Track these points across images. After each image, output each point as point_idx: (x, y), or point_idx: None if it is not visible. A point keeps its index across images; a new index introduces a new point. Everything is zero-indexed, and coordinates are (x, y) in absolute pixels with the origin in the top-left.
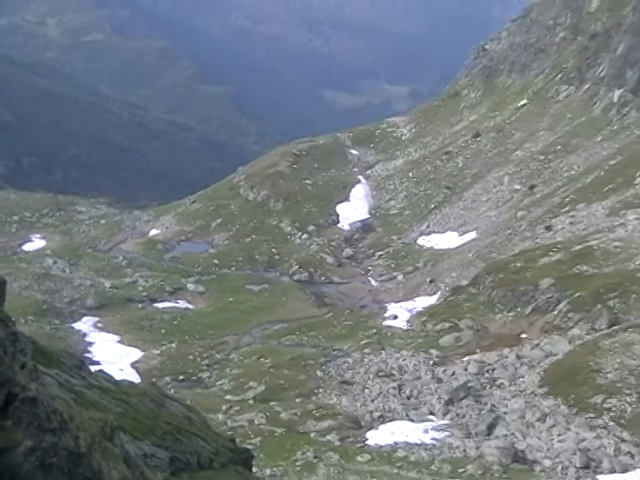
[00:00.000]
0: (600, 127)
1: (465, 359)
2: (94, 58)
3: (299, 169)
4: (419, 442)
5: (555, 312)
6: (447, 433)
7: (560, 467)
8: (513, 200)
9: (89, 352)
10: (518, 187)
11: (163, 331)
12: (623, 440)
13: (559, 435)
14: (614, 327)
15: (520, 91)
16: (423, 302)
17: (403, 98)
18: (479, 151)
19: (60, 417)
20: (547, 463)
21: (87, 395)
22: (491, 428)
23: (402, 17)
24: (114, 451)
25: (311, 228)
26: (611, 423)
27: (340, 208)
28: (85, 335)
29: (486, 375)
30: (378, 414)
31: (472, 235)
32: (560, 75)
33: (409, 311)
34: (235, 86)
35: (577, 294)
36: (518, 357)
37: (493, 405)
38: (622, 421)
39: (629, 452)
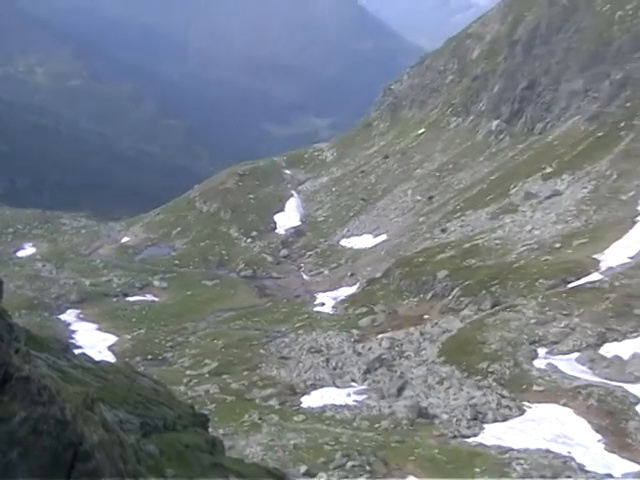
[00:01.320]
0: (482, 150)
1: (379, 336)
2: (75, 99)
3: (244, 186)
4: (343, 404)
5: (450, 297)
6: (365, 396)
7: (455, 419)
8: (415, 208)
9: (73, 338)
10: (419, 198)
11: (134, 319)
12: (503, 396)
13: (454, 394)
14: (496, 307)
15: (419, 122)
16: (345, 291)
17: (326, 128)
18: (388, 170)
19: (49, 392)
20: (444, 417)
21: (71, 373)
22: (400, 391)
23: (326, 62)
24: (94, 418)
25: (254, 233)
26: (494, 383)
27: (277, 217)
28: (69, 324)
29: (396, 349)
30: (310, 382)
31: (383, 237)
32: (450, 109)
33: (334, 299)
34: (190, 120)
35: (467, 282)
36: (421, 334)
37: (402, 372)
38: (502, 381)
39: (507, 405)
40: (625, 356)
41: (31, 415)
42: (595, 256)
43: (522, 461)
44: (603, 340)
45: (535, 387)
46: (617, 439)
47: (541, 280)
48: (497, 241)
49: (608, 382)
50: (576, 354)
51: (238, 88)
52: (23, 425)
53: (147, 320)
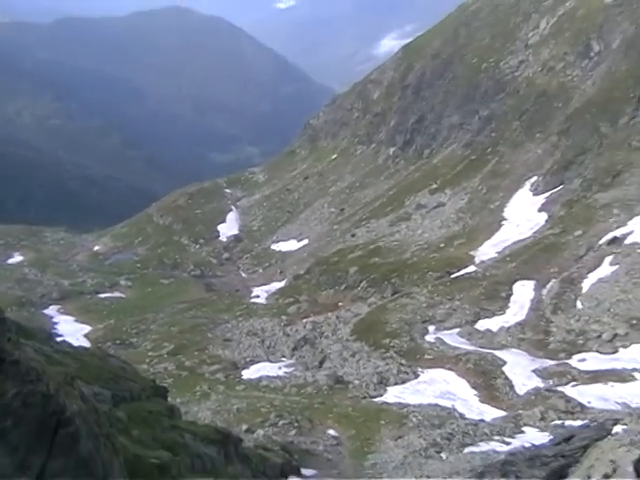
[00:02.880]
0: (382, 171)
1: (304, 321)
2: (54, 134)
3: (192, 203)
4: (276, 375)
5: (359, 288)
6: (293, 368)
7: (364, 384)
8: (330, 218)
9: (55, 329)
10: (333, 210)
11: (105, 312)
12: (402, 364)
13: (363, 365)
14: (395, 295)
15: (332, 149)
16: (276, 286)
17: (259, 155)
18: (308, 188)
19: (36, 372)
20: (356, 382)
21: (54, 357)
22: (321, 363)
23: (258, 101)
24: (74, 392)
25: (201, 241)
26: (394, 354)
27: (220, 227)
28: (52, 317)
29: (317, 330)
30: (249, 359)
31: (306, 242)
32: (357, 139)
33: (267, 292)
34: (148, 150)
35: (372, 276)
36: (337, 317)
37: (322, 349)
38: (401, 353)
39: (405, 371)
40: (494, 329)
41: (21, 391)
42: (471, 253)
43: (417, 414)
44: (478, 317)
45: (426, 356)
46: (488, 393)
47: (430, 273)
48: (395, 243)
49: (482, 350)
50: (457, 329)
51: (187, 123)
52: (15, 399)
53: (115, 312)
